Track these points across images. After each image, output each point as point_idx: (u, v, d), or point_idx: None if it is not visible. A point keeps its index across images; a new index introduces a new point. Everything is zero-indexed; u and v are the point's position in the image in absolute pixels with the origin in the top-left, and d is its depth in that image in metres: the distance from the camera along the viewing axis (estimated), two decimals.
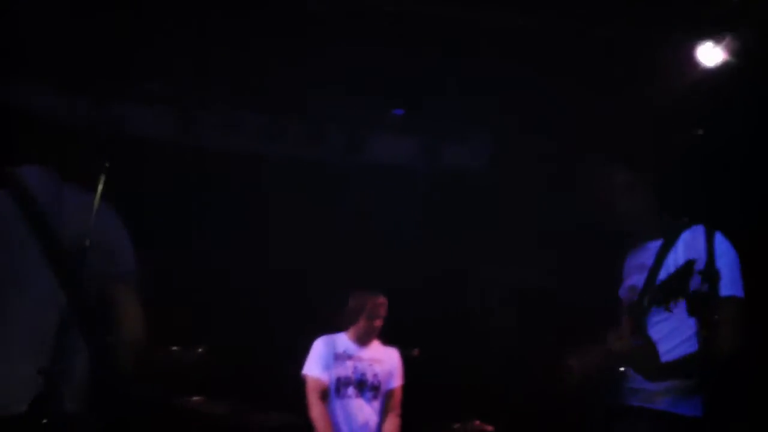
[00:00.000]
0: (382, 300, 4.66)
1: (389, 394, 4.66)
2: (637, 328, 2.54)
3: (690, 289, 2.35)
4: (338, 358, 4.61)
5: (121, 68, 5.67)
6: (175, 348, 4.29)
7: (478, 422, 4.55)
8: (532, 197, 6.11)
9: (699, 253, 2.49)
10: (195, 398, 4.48)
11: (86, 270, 2.37)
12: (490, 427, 4.57)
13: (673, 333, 2.53)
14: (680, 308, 2.45)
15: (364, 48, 5.41)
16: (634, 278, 2.71)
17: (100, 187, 2.58)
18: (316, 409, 4.45)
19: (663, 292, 2.39)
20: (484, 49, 5.36)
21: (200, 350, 4.31)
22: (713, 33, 4.11)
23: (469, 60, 5.46)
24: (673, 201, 2.67)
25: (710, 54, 4.13)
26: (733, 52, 4.05)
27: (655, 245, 2.66)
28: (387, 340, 4.78)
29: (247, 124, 6.21)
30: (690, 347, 2.49)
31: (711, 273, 2.42)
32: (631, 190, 2.68)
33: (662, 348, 2.51)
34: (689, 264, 2.32)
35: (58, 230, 2.40)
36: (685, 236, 2.59)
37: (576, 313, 6.22)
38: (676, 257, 2.56)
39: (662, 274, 2.56)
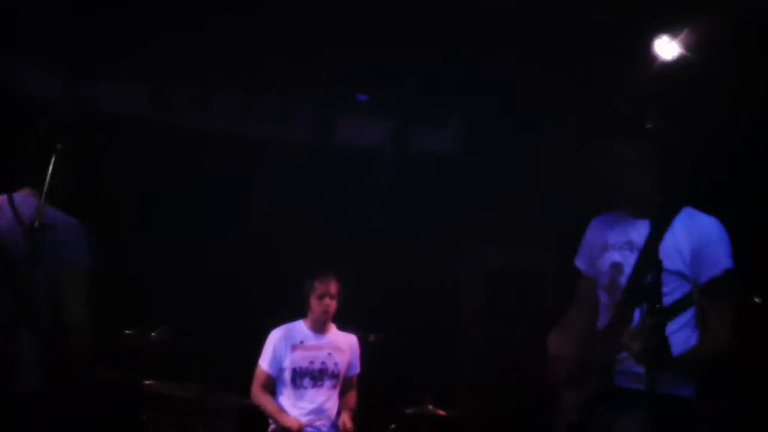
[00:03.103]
0: (331, 282, 4.60)
1: (348, 382, 4.69)
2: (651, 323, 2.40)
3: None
4: (295, 348, 4.61)
5: (95, 44, 5.66)
6: (129, 331, 4.31)
7: (431, 407, 4.58)
8: (503, 180, 6.14)
9: (701, 239, 2.51)
10: (155, 380, 4.49)
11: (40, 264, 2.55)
12: (443, 413, 4.61)
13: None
14: (676, 288, 2.46)
15: (336, 30, 5.39)
16: (617, 255, 2.63)
17: (50, 168, 2.62)
18: (256, 398, 4.60)
19: (710, 292, 2.37)
20: (455, 31, 5.34)
21: (155, 333, 4.33)
22: (670, 27, 4.10)
23: (442, 42, 5.44)
24: (671, 182, 2.60)
25: (666, 48, 4.12)
26: (689, 47, 4.04)
27: (645, 223, 2.59)
28: (345, 323, 4.80)
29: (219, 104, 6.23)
30: (686, 335, 2.50)
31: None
32: (631, 165, 2.58)
33: None
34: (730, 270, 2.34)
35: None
36: (682, 219, 2.56)
37: (547, 296, 6.31)
38: (675, 241, 2.51)
39: (664, 258, 2.41)
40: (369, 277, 5.65)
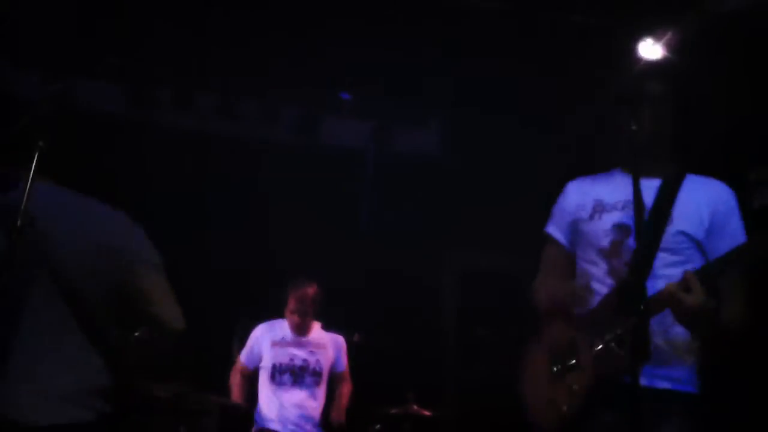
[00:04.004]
0: (306, 293, 4.59)
1: (337, 377, 4.74)
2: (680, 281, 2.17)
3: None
4: (276, 345, 4.62)
5: (74, 42, 5.60)
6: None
7: (415, 407, 4.58)
8: (486, 181, 6.15)
9: (721, 206, 2.35)
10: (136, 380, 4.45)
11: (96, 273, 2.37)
12: (427, 413, 4.61)
13: None
14: (690, 257, 2.31)
15: (318, 29, 5.38)
16: (620, 215, 2.39)
17: (32, 167, 2.56)
18: (231, 380, 4.73)
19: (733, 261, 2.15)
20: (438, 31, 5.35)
21: (137, 334, 4.28)
22: (653, 29, 4.13)
23: (425, 43, 5.44)
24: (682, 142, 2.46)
25: (650, 50, 4.16)
26: (673, 49, 4.08)
27: (651, 183, 2.35)
28: (329, 323, 4.79)
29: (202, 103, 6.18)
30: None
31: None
32: (655, 104, 2.35)
33: None
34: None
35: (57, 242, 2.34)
36: (694, 182, 2.38)
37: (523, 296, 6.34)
38: (694, 203, 2.34)
39: (679, 219, 2.32)
40: (352, 277, 5.64)
